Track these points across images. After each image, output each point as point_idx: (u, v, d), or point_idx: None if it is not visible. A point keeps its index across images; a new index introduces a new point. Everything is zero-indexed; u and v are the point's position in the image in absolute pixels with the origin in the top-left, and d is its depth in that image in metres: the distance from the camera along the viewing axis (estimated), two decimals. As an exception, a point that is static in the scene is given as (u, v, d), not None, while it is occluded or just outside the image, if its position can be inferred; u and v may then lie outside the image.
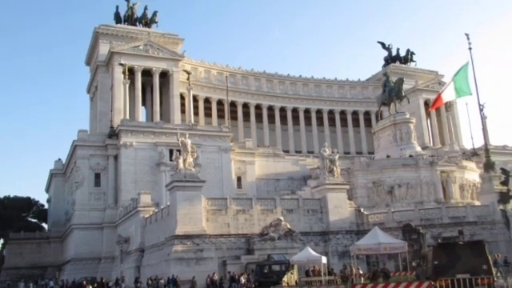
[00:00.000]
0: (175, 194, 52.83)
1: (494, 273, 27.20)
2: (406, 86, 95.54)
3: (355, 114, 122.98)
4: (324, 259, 43.24)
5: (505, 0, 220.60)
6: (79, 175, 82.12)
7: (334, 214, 60.72)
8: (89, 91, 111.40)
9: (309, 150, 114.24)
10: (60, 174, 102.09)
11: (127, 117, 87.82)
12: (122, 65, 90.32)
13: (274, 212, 58.29)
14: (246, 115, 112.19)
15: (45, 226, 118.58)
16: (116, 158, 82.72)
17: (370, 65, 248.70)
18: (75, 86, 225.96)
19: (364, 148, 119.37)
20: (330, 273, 45.31)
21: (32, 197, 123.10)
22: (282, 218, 56.68)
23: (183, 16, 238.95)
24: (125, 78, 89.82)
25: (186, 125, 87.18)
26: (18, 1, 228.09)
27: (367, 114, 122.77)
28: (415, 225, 54.02)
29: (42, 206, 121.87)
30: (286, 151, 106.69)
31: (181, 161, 53.71)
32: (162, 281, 47.43)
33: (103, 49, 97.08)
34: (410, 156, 78.42)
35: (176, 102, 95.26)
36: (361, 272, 43.16)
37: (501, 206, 60.78)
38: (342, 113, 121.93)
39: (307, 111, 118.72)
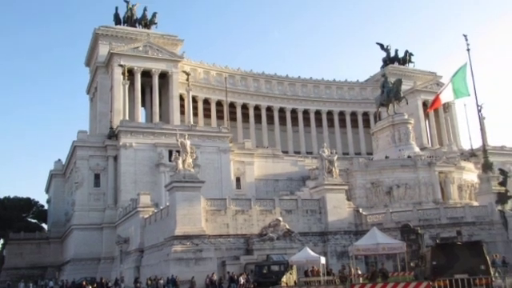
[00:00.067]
0: (174, 195, 52.97)
1: (492, 273, 27.25)
2: (404, 87, 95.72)
3: (354, 114, 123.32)
4: (323, 259, 43.37)
5: (503, 1, 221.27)
6: (79, 176, 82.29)
7: (332, 215, 60.83)
8: (88, 92, 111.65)
9: (307, 150, 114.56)
10: (60, 175, 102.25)
11: (127, 118, 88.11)
12: (121, 66, 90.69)
13: (273, 212, 58.41)
14: (245, 116, 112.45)
15: (45, 226, 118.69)
16: (115, 158, 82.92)
17: (368, 66, 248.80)
18: (75, 86, 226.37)
19: (363, 149, 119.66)
20: (329, 273, 45.56)
21: (32, 197, 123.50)
22: (280, 219, 56.82)
23: (182, 17, 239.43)
24: (124, 78, 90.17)
25: (185, 126, 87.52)
26: (18, 2, 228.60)
27: (366, 114, 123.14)
28: (413, 225, 54.01)
29: (42, 206, 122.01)
30: (285, 152, 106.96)
31: (180, 161, 53.79)
32: (162, 281, 47.52)
33: (103, 50, 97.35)
34: (409, 157, 78.57)
35: (175, 103, 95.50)
36: (359, 272, 43.40)
37: (499, 207, 60.86)
38: (341, 114, 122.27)
39: (306, 112, 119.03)
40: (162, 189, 72.88)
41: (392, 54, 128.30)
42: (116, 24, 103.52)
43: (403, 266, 44.28)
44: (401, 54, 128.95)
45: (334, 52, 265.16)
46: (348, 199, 66.24)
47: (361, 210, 64.93)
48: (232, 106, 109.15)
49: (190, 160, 54.49)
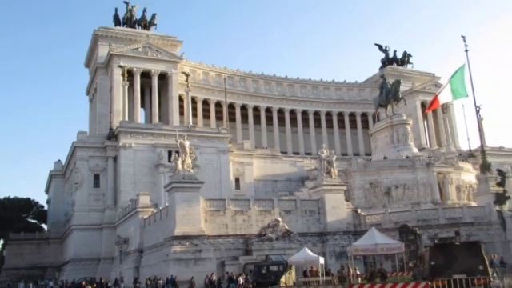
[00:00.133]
0: (174, 195, 53.12)
1: (491, 273, 27.49)
2: (402, 88, 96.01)
3: (352, 115, 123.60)
4: (321, 260, 43.51)
5: (502, 2, 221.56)
6: (79, 176, 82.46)
7: (331, 215, 60.96)
8: (88, 93, 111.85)
9: (306, 151, 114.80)
10: (59, 175, 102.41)
11: (126, 118, 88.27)
12: (121, 67, 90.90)
13: (272, 213, 58.56)
14: (244, 117, 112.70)
15: (44, 226, 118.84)
16: (115, 159, 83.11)
17: (367, 67, 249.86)
18: (75, 87, 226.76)
19: (361, 149, 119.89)
20: (328, 273, 45.65)
21: (32, 198, 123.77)
22: (279, 219, 56.98)
23: (182, 18, 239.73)
24: (124, 79, 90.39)
25: (184, 126, 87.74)
26: (18, 2, 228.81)
27: (364, 115, 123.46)
28: (412, 226, 54.33)
29: (42, 206, 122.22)
30: (284, 152, 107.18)
31: (179, 162, 53.93)
32: (161, 281, 47.60)
33: (102, 51, 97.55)
34: (407, 157, 78.66)
35: (175, 104, 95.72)
36: (358, 272, 43.48)
37: (497, 207, 60.95)
38: (340, 114, 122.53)
39: (305, 113, 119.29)
40: (161, 189, 72.99)
41: (390, 55, 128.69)
42: (116, 25, 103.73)
43: (402, 267, 44.46)
44: (399, 55, 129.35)
45: (332, 53, 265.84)
46: (347, 200, 66.34)
47: (359, 210, 65.01)
48: (231, 106, 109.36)
49: (189, 161, 54.63)
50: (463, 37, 67.02)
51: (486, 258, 26.91)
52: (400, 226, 54.48)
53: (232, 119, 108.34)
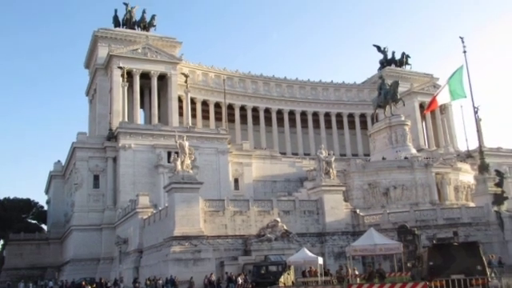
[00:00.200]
0: (173, 196, 53.27)
1: (489, 273, 27.45)
2: (401, 89, 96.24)
3: (351, 116, 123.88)
4: (320, 260, 43.63)
5: (500, 3, 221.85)
6: (78, 177, 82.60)
7: (330, 216, 61.11)
8: (88, 94, 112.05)
9: (305, 152, 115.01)
10: (59, 176, 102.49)
11: (126, 119, 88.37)
12: (120, 68, 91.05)
13: (271, 213, 58.71)
14: (243, 117, 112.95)
15: (44, 227, 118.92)
16: (115, 159, 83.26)
17: (365, 68, 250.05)
18: (74, 88, 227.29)
19: (360, 150, 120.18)
20: (326, 273, 45.74)
21: (32, 198, 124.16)
22: (278, 220, 57.13)
23: (181, 19, 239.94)
24: (123, 80, 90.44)
25: (183, 127, 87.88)
26: (18, 3, 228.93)
27: (363, 116, 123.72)
28: (410, 226, 54.38)
29: (42, 207, 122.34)
30: (283, 153, 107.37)
31: (179, 163, 54.01)
32: (160, 281, 47.71)
33: (102, 52, 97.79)
34: (406, 158, 78.88)
35: (174, 105, 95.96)
36: (356, 273, 43.71)
37: (495, 208, 61.11)
38: (338, 115, 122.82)
39: (304, 114, 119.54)
40: (160, 190, 73.06)
41: (389, 56, 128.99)
42: (115, 26, 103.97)
43: (400, 267, 44.49)
44: (398, 56, 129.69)
45: (331, 54, 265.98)
46: (345, 200, 66.49)
47: (358, 210, 65.18)
48: (230, 107, 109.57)
49: (188, 161, 54.73)
50: (461, 38, 67.35)
51: (484, 259, 26.90)
52: (398, 227, 54.53)
53: (231, 120, 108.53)
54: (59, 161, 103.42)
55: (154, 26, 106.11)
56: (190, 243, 51.67)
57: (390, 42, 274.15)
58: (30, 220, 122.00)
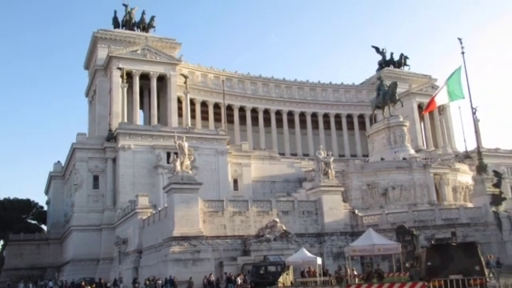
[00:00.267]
0: (172, 196, 53.41)
1: (487, 274, 27.43)
2: (399, 90, 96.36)
3: (350, 117, 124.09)
4: (319, 260, 43.83)
5: (499, 3, 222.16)
6: (78, 177, 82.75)
7: (328, 216, 61.29)
8: (87, 95, 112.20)
9: (304, 152, 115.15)
10: (59, 177, 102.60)
11: (125, 120, 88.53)
12: (120, 69, 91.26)
13: (270, 214, 58.84)
14: (243, 118, 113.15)
15: (44, 227, 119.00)
16: (114, 160, 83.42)
17: (364, 69, 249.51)
18: (74, 89, 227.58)
19: (358, 151, 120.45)
20: (325, 274, 45.76)
21: (31, 199, 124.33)
22: (277, 220, 57.25)
23: (180, 20, 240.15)
24: (123, 81, 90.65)
25: (183, 128, 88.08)
26: (18, 4, 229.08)
27: (361, 117, 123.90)
28: (409, 226, 54.49)
29: (42, 207, 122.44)
30: (282, 154, 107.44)
31: (178, 163, 54.14)
32: (160, 281, 47.85)
33: (101, 53, 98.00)
34: (404, 159, 79.01)
35: (173, 106, 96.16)
36: (355, 273, 43.68)
37: (493, 208, 61.30)
38: (337, 116, 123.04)
39: (302, 114, 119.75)
40: (160, 190, 73.18)
41: (387, 57, 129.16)
42: (115, 27, 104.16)
43: (398, 267, 44.63)
44: (396, 57, 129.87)
45: (330, 55, 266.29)
46: (344, 201, 66.63)
47: (357, 211, 65.35)
48: (229, 108, 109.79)
49: (187, 162, 54.87)
50: (460, 39, 67.61)
51: (482, 259, 26.85)
52: (397, 227, 54.61)
53: (230, 121, 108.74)
54: (59, 161, 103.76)
55: (154, 27, 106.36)
56: (190, 243, 51.81)
57: (389, 43, 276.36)
58: (29, 220, 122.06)
